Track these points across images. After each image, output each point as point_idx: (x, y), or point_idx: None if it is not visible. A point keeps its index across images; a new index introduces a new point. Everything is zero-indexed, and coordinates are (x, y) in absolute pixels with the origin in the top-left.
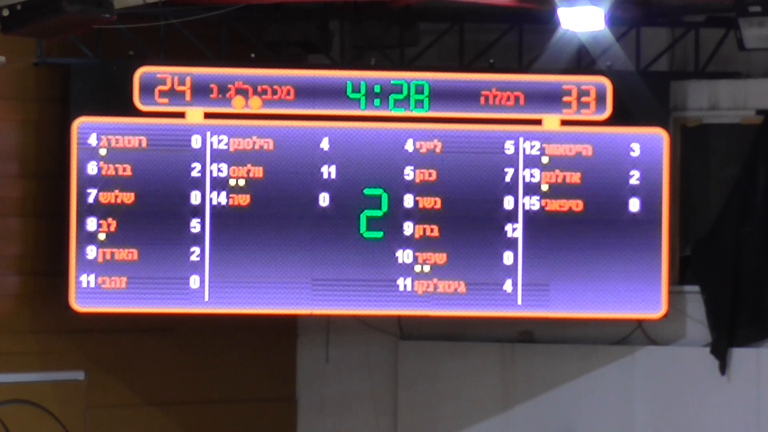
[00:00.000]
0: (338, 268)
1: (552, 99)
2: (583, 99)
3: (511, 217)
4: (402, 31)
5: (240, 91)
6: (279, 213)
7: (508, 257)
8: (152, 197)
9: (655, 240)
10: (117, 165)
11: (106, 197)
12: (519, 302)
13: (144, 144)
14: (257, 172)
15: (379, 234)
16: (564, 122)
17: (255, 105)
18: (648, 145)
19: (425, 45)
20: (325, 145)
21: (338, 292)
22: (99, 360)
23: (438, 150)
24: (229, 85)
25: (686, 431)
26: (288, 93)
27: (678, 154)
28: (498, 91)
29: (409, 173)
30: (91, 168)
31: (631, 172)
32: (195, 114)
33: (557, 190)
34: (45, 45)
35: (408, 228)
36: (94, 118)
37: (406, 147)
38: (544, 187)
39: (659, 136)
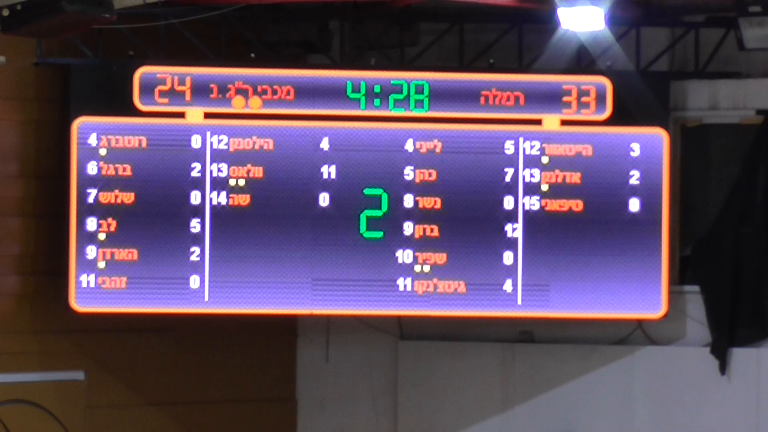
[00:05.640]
0: (338, 268)
1: (552, 99)
2: (583, 99)
3: (511, 217)
4: (402, 31)
5: (240, 91)
6: (279, 213)
7: (508, 257)
8: (152, 197)
9: (655, 240)
10: (117, 165)
11: (106, 197)
12: (519, 302)
13: (144, 144)
14: (257, 172)
15: (379, 234)
16: (564, 122)
17: (255, 105)
18: (648, 145)
19: (425, 45)
20: (325, 145)
21: (338, 292)
22: (99, 360)
23: (438, 150)
24: (229, 85)
25: (686, 431)
26: (288, 93)
27: (678, 154)
28: (498, 91)
29: (409, 173)
30: (91, 168)
31: (631, 172)
32: (195, 114)
33: (557, 190)
34: (45, 45)
35: (408, 228)
36: (94, 118)
37: (406, 147)
38: (544, 187)
39: (659, 136)
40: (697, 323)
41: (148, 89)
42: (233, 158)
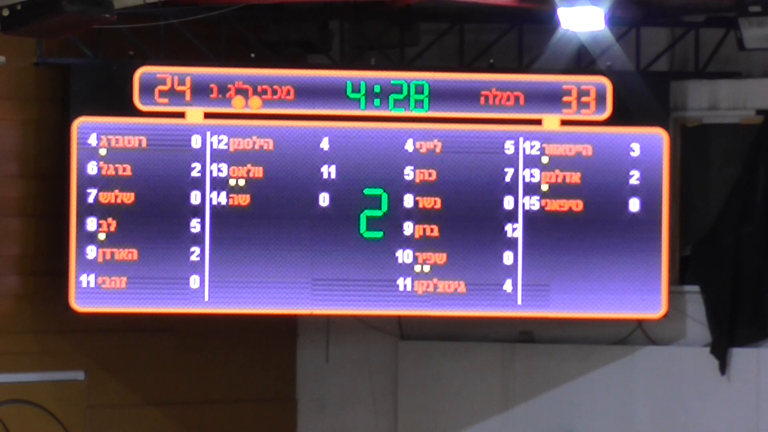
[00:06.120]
0: (338, 268)
1: (552, 99)
2: (583, 99)
3: (511, 217)
4: (402, 31)
5: (240, 91)
6: (279, 213)
7: (508, 257)
8: (152, 197)
9: (655, 240)
10: (117, 165)
11: (106, 197)
12: (519, 302)
13: (144, 144)
14: (257, 172)
15: (379, 234)
16: (564, 122)
17: (255, 105)
18: (648, 145)
19: (425, 45)
20: (325, 145)
21: (338, 292)
22: (99, 360)
23: (438, 150)
24: (229, 85)
25: (686, 431)
26: (288, 93)
27: (678, 154)
28: (498, 91)
29: (409, 173)
30: (91, 168)
31: (631, 172)
32: (195, 114)
33: (557, 190)
34: (45, 45)
35: (408, 228)
36: (94, 118)
37: (406, 147)
38: (544, 187)
39: (659, 136)
40: (697, 323)
41: (148, 89)
42: (233, 158)
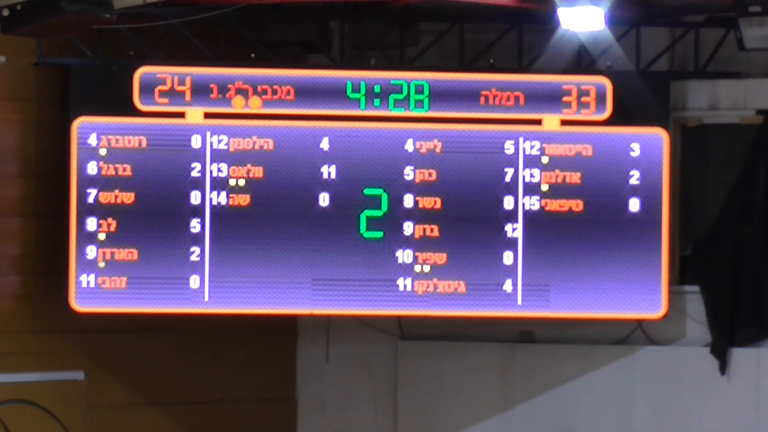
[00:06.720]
0: (338, 268)
1: (552, 99)
2: (583, 99)
3: (511, 217)
4: (402, 31)
5: (240, 91)
6: (279, 213)
7: (508, 257)
8: (152, 197)
9: (655, 240)
10: (117, 165)
11: (106, 197)
12: (519, 302)
13: (144, 144)
14: (257, 172)
15: (379, 234)
16: (564, 122)
17: (255, 105)
18: (648, 145)
19: (425, 45)
20: (325, 145)
21: (338, 292)
22: (99, 360)
23: (438, 150)
24: (229, 85)
25: (686, 431)
26: (288, 93)
27: (678, 154)
28: (498, 91)
29: (409, 173)
30: (91, 168)
31: (631, 172)
32: (195, 114)
33: (557, 190)
34: (45, 45)
35: (408, 228)
36: (94, 118)
37: (406, 147)
38: (544, 187)
39: (659, 136)
40: (697, 323)
41: (148, 89)
42: (233, 158)
